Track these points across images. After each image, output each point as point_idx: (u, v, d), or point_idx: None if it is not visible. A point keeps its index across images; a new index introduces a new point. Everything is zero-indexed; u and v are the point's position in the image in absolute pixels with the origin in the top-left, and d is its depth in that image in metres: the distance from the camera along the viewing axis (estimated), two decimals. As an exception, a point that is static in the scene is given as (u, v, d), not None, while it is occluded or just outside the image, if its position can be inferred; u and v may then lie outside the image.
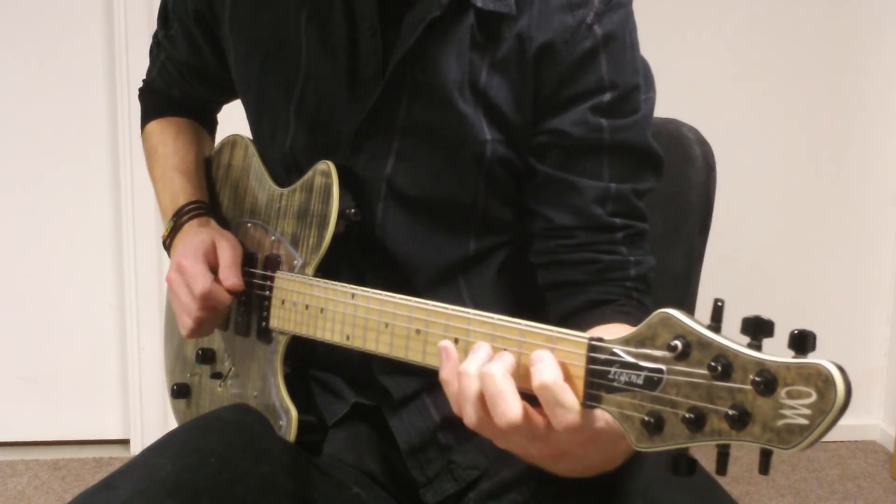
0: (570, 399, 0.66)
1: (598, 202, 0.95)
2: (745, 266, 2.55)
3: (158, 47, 1.21)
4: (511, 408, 0.67)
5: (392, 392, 1.02)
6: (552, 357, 0.68)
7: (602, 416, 0.70)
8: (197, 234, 1.05)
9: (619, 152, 0.95)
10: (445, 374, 0.72)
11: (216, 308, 1.01)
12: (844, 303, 2.65)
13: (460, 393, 0.70)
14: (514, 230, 1.03)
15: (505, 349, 0.71)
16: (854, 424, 2.65)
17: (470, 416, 0.70)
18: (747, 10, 2.46)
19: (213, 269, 1.02)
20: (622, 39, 0.94)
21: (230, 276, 1.01)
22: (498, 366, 0.69)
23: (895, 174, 2.61)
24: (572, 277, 0.96)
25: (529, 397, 0.69)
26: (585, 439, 0.69)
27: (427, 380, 1.01)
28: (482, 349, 0.72)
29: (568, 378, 0.67)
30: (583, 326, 0.71)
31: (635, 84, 0.95)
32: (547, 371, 0.67)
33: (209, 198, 1.16)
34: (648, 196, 0.99)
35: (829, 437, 2.17)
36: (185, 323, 1.02)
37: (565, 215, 0.96)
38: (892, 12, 2.51)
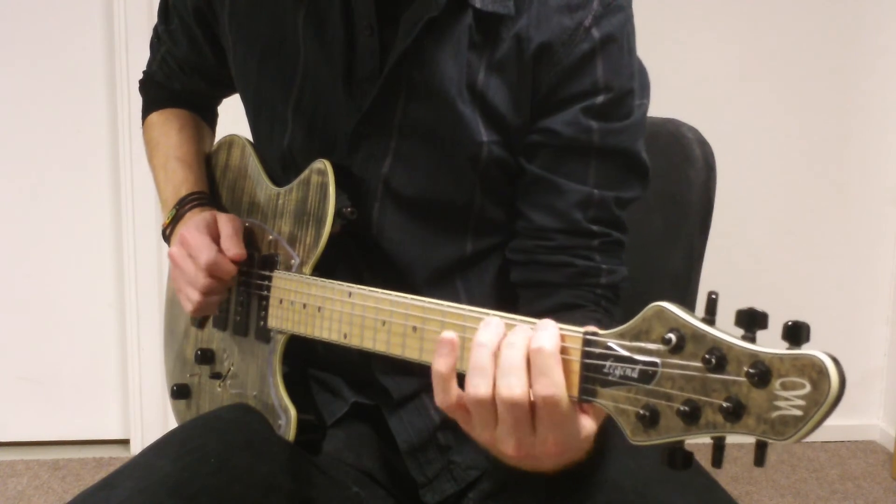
0: (558, 374, 0.66)
1: (579, 207, 0.95)
2: (745, 266, 2.55)
3: (159, 41, 1.21)
4: (519, 384, 0.67)
5: (392, 392, 1.02)
6: (556, 328, 0.68)
7: (587, 439, 0.70)
8: (198, 215, 1.06)
9: (607, 157, 0.95)
10: (444, 369, 0.72)
11: (221, 279, 1.01)
12: (844, 303, 2.65)
13: (473, 362, 0.70)
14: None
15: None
16: (854, 424, 2.65)
17: (481, 390, 0.69)
18: (747, 10, 2.46)
19: (216, 241, 1.02)
20: (619, 43, 0.94)
21: (232, 246, 1.01)
22: (519, 336, 0.69)
23: (895, 174, 2.61)
24: (546, 278, 0.97)
25: None
26: (558, 449, 0.69)
27: (427, 380, 1.00)
28: (494, 324, 0.71)
29: (563, 372, 0.67)
30: None
31: (629, 88, 0.95)
32: (547, 338, 0.67)
33: None
34: (632, 206, 0.98)
35: (828, 437, 2.17)
36: (191, 296, 1.02)
37: (546, 217, 0.96)
38: (893, 12, 2.51)
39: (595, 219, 0.95)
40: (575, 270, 0.96)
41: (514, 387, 0.68)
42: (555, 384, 0.66)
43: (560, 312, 0.95)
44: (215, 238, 1.02)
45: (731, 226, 2.42)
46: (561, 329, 0.69)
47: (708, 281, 1.28)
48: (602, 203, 0.95)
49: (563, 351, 0.68)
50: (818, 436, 2.70)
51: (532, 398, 0.68)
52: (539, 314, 0.95)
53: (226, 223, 1.03)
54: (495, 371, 0.69)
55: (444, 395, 0.72)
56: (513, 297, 1.03)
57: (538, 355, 0.67)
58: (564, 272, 0.96)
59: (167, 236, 1.11)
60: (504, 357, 0.69)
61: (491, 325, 0.71)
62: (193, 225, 1.02)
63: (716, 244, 1.29)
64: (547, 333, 0.67)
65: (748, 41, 2.48)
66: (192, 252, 1.00)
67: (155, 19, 1.20)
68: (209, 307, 1.04)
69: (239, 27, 1.05)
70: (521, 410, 0.68)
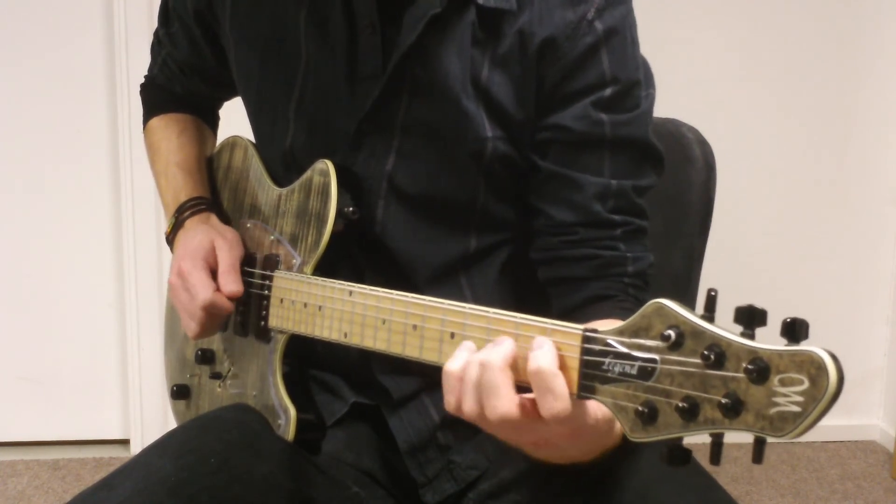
0: (561, 387, 0.66)
1: (598, 198, 0.95)
2: (745, 266, 2.55)
3: (159, 44, 1.22)
4: (501, 403, 0.68)
5: (392, 392, 1.02)
6: (551, 344, 0.68)
7: (592, 414, 0.70)
8: (196, 234, 1.06)
9: (620, 148, 0.95)
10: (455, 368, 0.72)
11: (219, 315, 1.02)
12: (844, 303, 2.65)
13: (464, 381, 0.71)
14: (517, 228, 1.03)
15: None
16: (854, 424, 2.65)
17: (470, 406, 0.70)
18: (748, 10, 2.46)
19: (213, 271, 1.02)
20: (623, 35, 0.94)
21: (229, 283, 1.01)
22: (497, 356, 0.69)
23: (895, 174, 2.61)
24: (573, 273, 0.97)
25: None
26: (571, 432, 0.70)
27: (427, 379, 1.01)
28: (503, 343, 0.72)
29: (563, 369, 0.67)
30: (583, 321, 0.71)
31: (636, 79, 0.96)
32: (543, 357, 0.67)
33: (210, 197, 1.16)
34: (649, 193, 0.99)
35: (828, 437, 2.16)
36: (190, 326, 1.03)
37: (566, 212, 0.96)
38: (892, 12, 2.51)
39: (615, 209, 0.96)
40: (601, 262, 0.96)
41: (496, 408, 0.68)
42: (558, 398, 0.66)
43: (589, 306, 0.95)
44: (213, 269, 1.02)
45: (731, 226, 2.42)
46: (560, 327, 0.69)
47: (708, 281, 1.27)
48: (620, 192, 0.96)
49: (562, 348, 0.68)
50: (818, 436, 2.70)
51: (539, 414, 0.68)
52: (569, 310, 0.96)
53: (224, 254, 1.03)
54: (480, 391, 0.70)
55: (450, 396, 0.73)
56: (517, 292, 1.04)
57: (536, 376, 0.67)
58: (590, 265, 0.96)
59: (170, 242, 1.12)
60: (481, 379, 0.69)
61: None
62: (191, 254, 1.02)
63: (716, 244, 1.29)
64: (542, 352, 0.68)
65: (748, 41, 2.48)
66: (190, 288, 1.01)
67: (155, 20, 1.20)
68: (209, 334, 1.05)
69: (240, 27, 1.05)
70: (513, 423, 0.69)
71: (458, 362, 0.72)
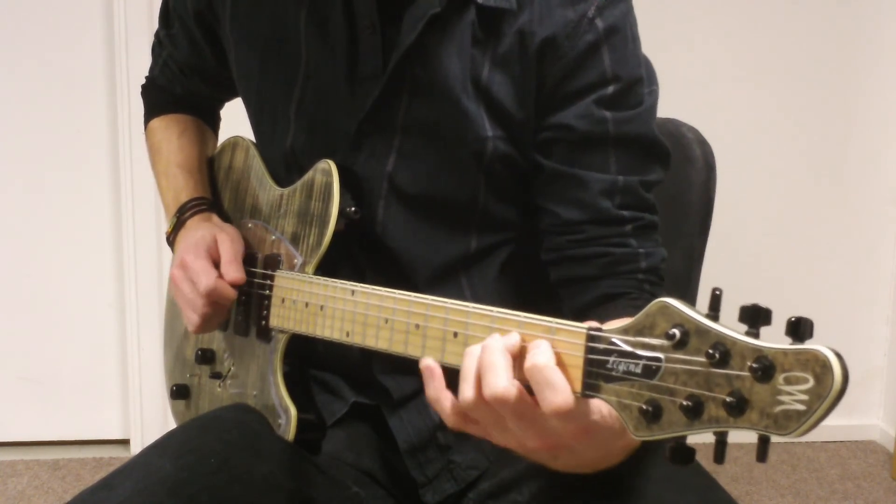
0: (560, 380, 0.66)
1: (605, 195, 0.95)
2: (745, 266, 2.55)
3: (160, 45, 1.22)
4: (499, 380, 0.67)
5: (392, 392, 1.02)
6: (548, 345, 0.68)
7: (597, 409, 0.70)
8: (198, 230, 1.06)
9: (625, 144, 0.95)
10: (432, 393, 0.72)
11: (221, 303, 1.01)
12: (844, 303, 2.65)
13: (462, 371, 0.70)
14: (517, 228, 1.03)
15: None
16: (854, 424, 2.65)
17: (466, 394, 0.69)
18: (748, 10, 2.46)
19: (216, 263, 1.02)
20: (624, 33, 0.94)
21: (231, 271, 1.01)
22: (498, 340, 0.69)
23: (895, 174, 2.61)
24: (583, 273, 0.96)
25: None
26: (579, 430, 0.69)
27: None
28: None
29: (566, 368, 0.67)
30: (596, 321, 0.71)
31: (638, 76, 0.95)
32: (540, 355, 0.67)
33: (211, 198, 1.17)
34: (657, 188, 0.98)
35: (828, 437, 2.16)
36: (192, 319, 1.02)
37: (572, 210, 0.96)
38: (892, 12, 2.51)
39: (624, 204, 0.95)
40: (611, 259, 0.95)
41: (492, 385, 0.67)
42: (558, 391, 0.66)
43: (602, 304, 0.95)
44: (216, 260, 1.02)
45: (731, 226, 2.42)
46: (564, 325, 0.69)
47: (708, 281, 1.27)
48: (628, 188, 0.95)
49: (566, 346, 0.68)
50: (818, 436, 2.70)
51: (539, 407, 0.67)
52: (581, 309, 0.95)
53: (226, 246, 1.03)
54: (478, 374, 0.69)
55: (446, 416, 0.72)
56: (517, 292, 1.04)
57: (533, 371, 0.67)
58: (600, 263, 0.95)
59: (171, 243, 1.12)
60: (481, 360, 0.69)
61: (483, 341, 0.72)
62: (193, 246, 1.02)
63: (716, 244, 1.29)
64: (539, 351, 0.67)
65: (749, 41, 2.48)
66: (192, 276, 1.00)
67: (155, 20, 1.21)
68: (210, 327, 1.05)
69: (240, 28, 1.05)
70: (512, 404, 0.68)
71: (434, 392, 0.72)
